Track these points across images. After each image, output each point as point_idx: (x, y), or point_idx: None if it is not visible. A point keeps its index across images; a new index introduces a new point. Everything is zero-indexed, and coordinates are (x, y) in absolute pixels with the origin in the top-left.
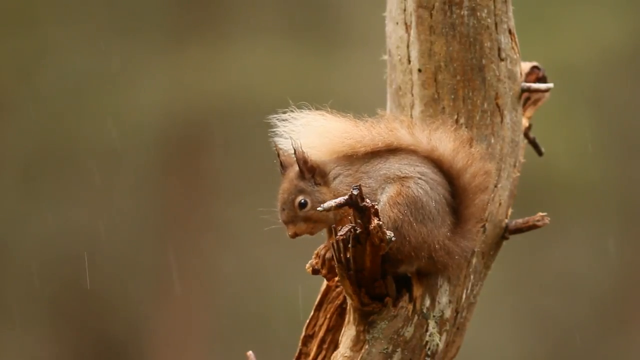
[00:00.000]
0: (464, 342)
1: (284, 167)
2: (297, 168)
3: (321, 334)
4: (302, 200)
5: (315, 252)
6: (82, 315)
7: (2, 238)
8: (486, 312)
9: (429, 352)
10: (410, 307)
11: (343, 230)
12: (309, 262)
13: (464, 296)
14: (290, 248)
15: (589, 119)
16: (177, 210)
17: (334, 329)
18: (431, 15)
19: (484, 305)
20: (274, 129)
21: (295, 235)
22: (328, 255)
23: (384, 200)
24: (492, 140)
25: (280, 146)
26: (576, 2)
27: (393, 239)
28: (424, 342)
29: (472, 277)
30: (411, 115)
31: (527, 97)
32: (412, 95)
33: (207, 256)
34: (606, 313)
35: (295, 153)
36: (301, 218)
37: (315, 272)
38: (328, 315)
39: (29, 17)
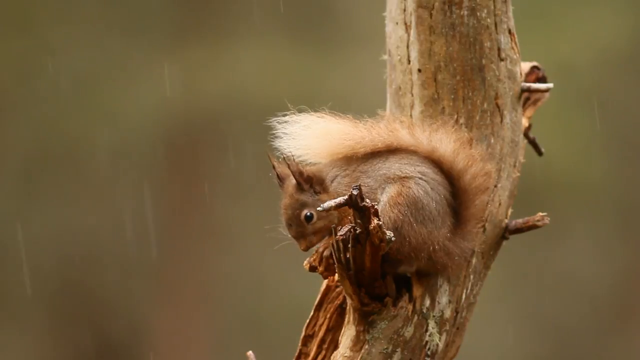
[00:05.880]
0: (464, 342)
1: (281, 179)
2: (294, 181)
3: (321, 334)
4: (308, 214)
5: (316, 249)
6: (82, 315)
7: (2, 238)
8: (486, 312)
9: (428, 352)
10: (410, 307)
11: (343, 230)
12: (307, 259)
13: (463, 296)
14: (289, 248)
15: (589, 119)
16: (177, 210)
17: (334, 329)
18: (431, 15)
19: (484, 305)
20: (274, 132)
21: (307, 248)
22: (326, 253)
23: (385, 200)
24: (492, 141)
25: (274, 159)
26: (576, 2)
27: (393, 239)
28: (424, 342)
29: (472, 277)
30: (411, 115)
31: (527, 97)
32: (412, 95)
33: (207, 256)
34: (606, 313)
35: (289, 167)
36: (310, 231)
37: (312, 269)
38: (328, 315)
39: (28, 17)
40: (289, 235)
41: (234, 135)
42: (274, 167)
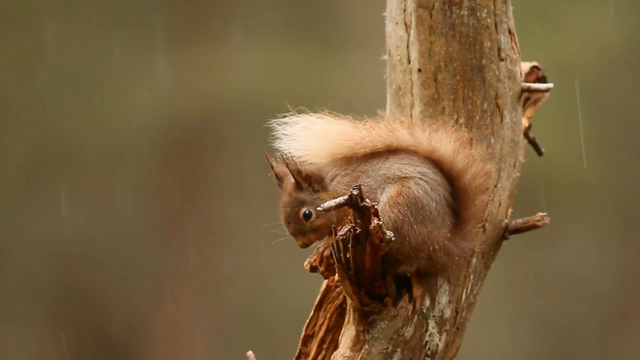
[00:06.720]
0: (464, 342)
1: (279, 178)
2: (293, 179)
3: (321, 334)
4: (307, 212)
5: (316, 249)
6: (81, 315)
7: (2, 238)
8: (486, 312)
9: (428, 352)
10: (410, 307)
11: (343, 230)
12: (308, 259)
13: (463, 296)
14: (289, 248)
15: (589, 119)
16: (177, 210)
17: (334, 329)
18: (431, 15)
19: (484, 305)
20: (274, 132)
21: (305, 245)
22: (326, 253)
23: (384, 200)
24: (492, 140)
25: (272, 159)
26: (576, 2)
27: (393, 239)
28: (424, 342)
29: (472, 277)
30: (411, 115)
31: (527, 97)
32: (412, 95)
33: (207, 256)
34: (606, 313)
35: (287, 165)
36: (309, 228)
37: (313, 269)
38: (328, 315)
39: (28, 17)
40: (288, 233)
41: (233, 135)
42: (272, 167)
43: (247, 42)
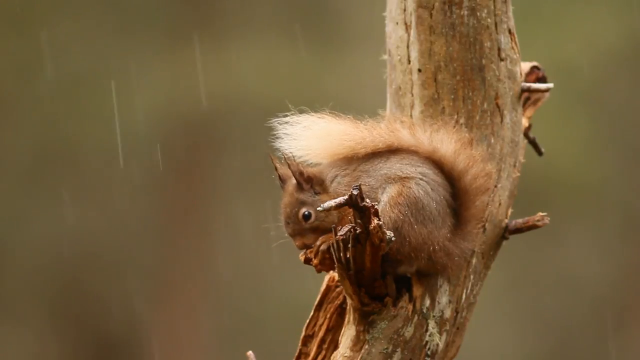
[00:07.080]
0: (464, 342)
1: (282, 180)
2: (295, 181)
3: (321, 334)
4: (306, 212)
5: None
6: (81, 315)
7: (2, 238)
8: (486, 312)
9: (428, 352)
10: (410, 307)
11: (343, 230)
12: (304, 250)
13: (464, 296)
14: (290, 248)
15: (589, 119)
16: (177, 210)
17: (334, 329)
18: (431, 15)
19: (484, 305)
20: (274, 132)
21: (304, 246)
22: (323, 247)
23: (385, 200)
24: (492, 141)
25: (276, 160)
26: (576, 2)
27: (393, 239)
28: (424, 342)
29: (472, 277)
30: (411, 115)
31: (527, 97)
32: (412, 95)
33: (206, 256)
34: (606, 313)
35: (289, 167)
36: (308, 229)
37: (307, 261)
38: (328, 315)
39: (28, 17)
40: (287, 234)
41: (233, 135)
42: (275, 169)
43: (247, 42)
